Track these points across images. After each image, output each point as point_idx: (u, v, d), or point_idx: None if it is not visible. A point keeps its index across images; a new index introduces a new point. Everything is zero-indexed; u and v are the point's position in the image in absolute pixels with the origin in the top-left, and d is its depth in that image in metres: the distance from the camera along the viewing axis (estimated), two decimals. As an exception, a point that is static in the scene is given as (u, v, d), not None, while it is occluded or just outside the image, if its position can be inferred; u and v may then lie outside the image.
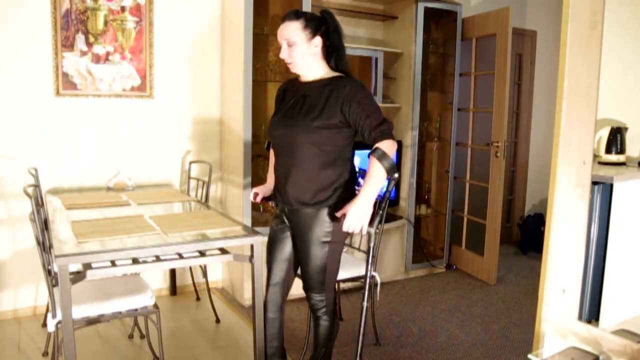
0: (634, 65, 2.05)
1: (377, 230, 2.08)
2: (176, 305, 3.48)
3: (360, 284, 2.86)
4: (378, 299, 2.78)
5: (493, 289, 3.97)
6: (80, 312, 2.15)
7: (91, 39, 3.22)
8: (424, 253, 4.29)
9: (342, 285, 3.47)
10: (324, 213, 2.09)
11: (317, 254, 2.11)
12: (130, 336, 2.95)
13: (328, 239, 2.10)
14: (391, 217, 3.98)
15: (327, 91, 2.05)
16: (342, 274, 2.62)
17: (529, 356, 1.56)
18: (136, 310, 2.31)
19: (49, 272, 2.12)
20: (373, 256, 2.11)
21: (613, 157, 2.18)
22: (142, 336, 2.94)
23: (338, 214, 2.03)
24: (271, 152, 2.38)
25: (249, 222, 3.35)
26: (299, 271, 2.29)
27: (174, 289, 3.63)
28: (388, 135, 2.01)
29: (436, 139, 4.34)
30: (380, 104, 3.82)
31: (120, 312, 2.26)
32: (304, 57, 2.07)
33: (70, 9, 3.13)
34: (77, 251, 1.97)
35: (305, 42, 2.06)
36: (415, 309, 3.51)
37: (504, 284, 4.06)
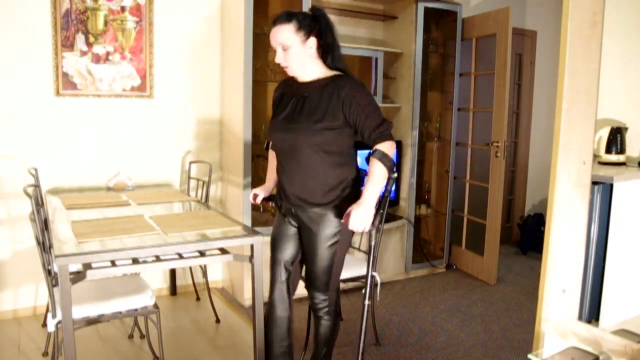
0: (634, 65, 2.05)
1: (379, 227, 2.09)
2: (176, 305, 3.48)
3: (360, 284, 2.87)
4: (378, 299, 2.78)
5: (493, 289, 3.97)
6: (80, 312, 2.15)
7: (91, 39, 3.22)
8: (424, 253, 4.29)
9: (342, 285, 3.47)
10: (332, 213, 2.09)
11: (325, 254, 2.12)
12: (130, 336, 2.95)
13: (336, 239, 2.11)
14: (391, 217, 3.98)
15: (326, 92, 2.04)
16: (342, 274, 2.62)
17: (529, 356, 1.56)
18: (136, 310, 2.31)
19: (49, 272, 2.12)
20: (374, 256, 2.11)
21: (613, 157, 2.18)
22: (142, 336, 2.94)
23: (344, 218, 2.01)
24: (270, 152, 2.37)
25: (249, 222, 3.35)
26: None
27: (174, 289, 3.63)
28: (387, 136, 2.02)
29: (436, 139, 4.34)
30: (380, 104, 3.82)
31: (120, 312, 2.26)
32: (300, 59, 2.05)
33: (70, 9, 3.13)
34: (77, 251, 1.97)
35: (300, 45, 2.03)
36: (415, 309, 3.51)
37: (504, 284, 4.06)
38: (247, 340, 2.96)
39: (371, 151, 2.02)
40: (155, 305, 2.35)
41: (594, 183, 1.59)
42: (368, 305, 2.11)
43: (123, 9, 3.29)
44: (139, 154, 3.45)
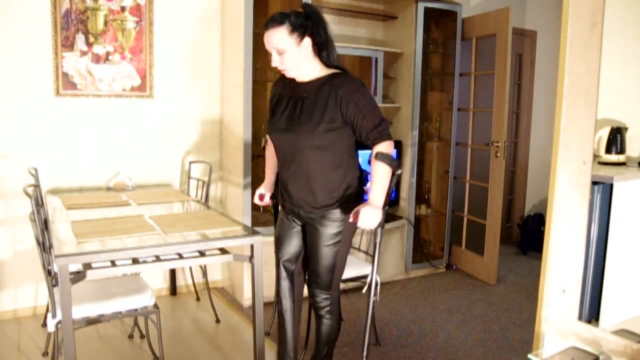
0: (634, 65, 2.05)
1: (384, 224, 2.13)
2: (176, 305, 3.48)
3: (360, 284, 2.89)
4: (378, 299, 2.79)
5: (493, 289, 3.97)
6: (80, 312, 2.15)
7: (91, 39, 3.22)
8: (424, 253, 4.29)
9: (342, 285, 3.47)
10: (334, 213, 2.10)
11: (327, 253, 2.12)
12: (130, 336, 2.95)
13: (338, 238, 2.12)
14: (391, 217, 3.98)
15: (324, 92, 2.02)
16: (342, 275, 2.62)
17: (529, 356, 1.56)
18: (136, 310, 2.31)
19: (49, 272, 2.12)
20: (379, 252, 2.14)
21: (613, 157, 2.18)
22: (142, 336, 2.94)
23: (352, 214, 2.02)
24: (267, 148, 2.35)
25: (249, 222, 3.35)
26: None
27: (174, 289, 3.63)
28: (386, 136, 2.02)
29: (436, 139, 4.34)
30: (380, 104, 3.82)
31: (120, 312, 2.26)
32: (297, 61, 2.03)
33: (70, 9, 3.13)
34: (77, 251, 1.97)
35: (296, 47, 2.00)
36: (415, 309, 3.51)
37: (504, 284, 4.06)
38: (247, 340, 2.96)
39: (371, 153, 2.03)
40: (155, 305, 2.35)
41: (594, 183, 1.59)
42: (374, 301, 2.14)
43: (123, 9, 3.29)
44: (139, 154, 3.45)
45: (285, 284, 2.30)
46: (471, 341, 3.04)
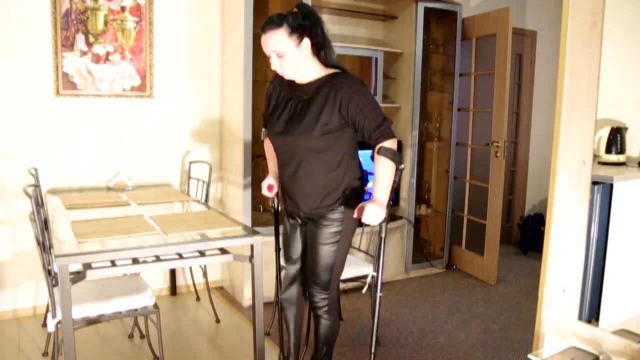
0: (634, 65, 2.05)
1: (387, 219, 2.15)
2: (176, 305, 3.48)
3: (360, 284, 2.89)
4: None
5: (493, 289, 3.97)
6: (80, 312, 2.15)
7: (91, 39, 3.22)
8: (424, 253, 4.29)
9: (342, 285, 3.47)
10: (334, 213, 2.10)
11: (326, 253, 2.13)
12: (130, 336, 2.95)
13: (337, 238, 2.13)
14: (391, 217, 3.98)
15: (323, 93, 2.01)
16: (342, 274, 2.63)
17: (529, 356, 1.56)
18: (136, 310, 2.31)
19: (49, 272, 2.12)
20: (383, 249, 2.18)
21: (613, 157, 2.18)
22: (142, 336, 2.94)
23: (356, 210, 2.02)
24: (266, 141, 2.31)
25: (249, 222, 3.35)
26: None
27: (174, 289, 3.63)
28: (388, 135, 2.02)
29: (436, 139, 4.34)
30: (380, 104, 3.80)
31: (120, 312, 2.26)
32: (296, 64, 2.00)
33: (70, 9, 3.13)
34: (77, 251, 1.97)
35: (295, 48, 1.97)
36: (415, 309, 3.51)
37: (504, 284, 4.06)
38: (247, 340, 2.95)
39: (373, 151, 2.03)
40: (155, 305, 2.35)
41: (594, 183, 1.59)
42: (380, 297, 2.22)
43: (123, 9, 3.29)
44: (139, 154, 3.45)
45: (291, 293, 2.32)
46: (471, 341, 3.04)
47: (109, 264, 2.07)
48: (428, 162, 4.41)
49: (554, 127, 1.53)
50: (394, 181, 2.04)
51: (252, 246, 2.26)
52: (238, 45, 3.30)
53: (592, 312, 1.66)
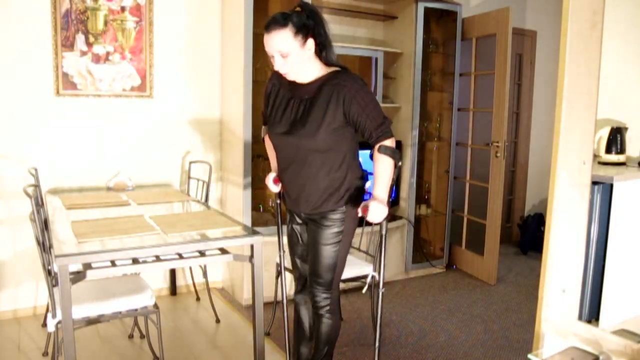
0: (634, 65, 2.05)
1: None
2: (176, 305, 3.48)
3: (360, 284, 2.90)
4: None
5: (493, 289, 3.97)
6: (80, 312, 2.15)
7: (91, 39, 3.22)
8: (424, 253, 4.29)
9: (342, 285, 3.47)
10: (335, 213, 2.11)
11: (328, 253, 2.13)
12: (130, 336, 2.95)
13: (339, 238, 2.13)
14: (391, 217, 3.98)
15: (326, 92, 2.00)
16: (342, 274, 2.63)
17: (529, 356, 1.56)
18: (136, 310, 2.31)
19: (49, 272, 2.12)
20: (385, 245, 2.21)
21: (613, 157, 2.18)
22: (142, 336, 2.94)
23: (360, 208, 2.05)
24: (267, 139, 2.29)
25: (249, 222, 3.35)
26: None
27: (174, 289, 3.63)
28: (388, 134, 2.04)
29: (436, 139, 4.34)
30: (380, 104, 3.80)
31: (120, 312, 2.26)
32: (301, 64, 1.99)
33: (70, 9, 3.13)
34: (77, 251, 1.97)
35: (300, 49, 1.95)
36: (415, 309, 3.51)
37: (504, 284, 4.06)
38: (247, 340, 2.95)
39: (372, 150, 2.05)
40: (155, 305, 2.35)
41: (594, 183, 1.59)
42: (383, 293, 2.23)
43: (123, 9, 3.29)
44: (138, 154, 3.45)
45: (305, 292, 2.34)
46: (471, 341, 3.04)
47: (109, 264, 2.07)
48: (428, 162, 4.41)
49: (554, 127, 1.53)
50: (392, 178, 2.06)
51: (252, 246, 2.26)
52: (238, 45, 3.30)
53: (592, 312, 1.66)
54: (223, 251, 2.30)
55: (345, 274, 2.73)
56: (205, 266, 3.42)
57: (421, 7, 3.85)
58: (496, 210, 4.02)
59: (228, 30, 3.50)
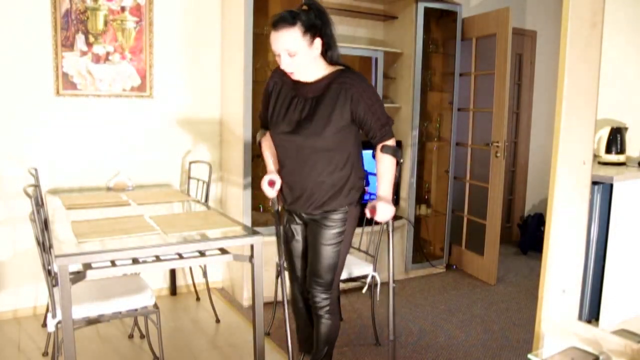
0: (634, 66, 2.05)
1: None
2: (176, 305, 3.48)
3: (360, 284, 2.90)
4: (378, 298, 2.80)
5: (493, 289, 3.97)
6: (80, 312, 2.15)
7: (91, 39, 3.22)
8: (424, 253, 4.29)
9: (342, 285, 3.47)
10: (337, 213, 2.11)
11: (329, 253, 2.13)
12: (130, 336, 2.95)
13: (341, 238, 2.14)
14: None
15: (332, 91, 2.00)
16: (342, 274, 2.63)
17: (529, 356, 1.56)
18: (136, 310, 2.31)
19: (49, 272, 2.12)
20: (392, 242, 2.26)
21: (613, 157, 2.18)
22: (142, 336, 2.94)
23: (367, 209, 2.08)
24: (263, 141, 2.28)
25: (249, 222, 3.35)
26: None
27: (174, 289, 3.63)
28: (390, 134, 2.07)
29: (436, 139, 4.34)
30: (380, 104, 3.81)
31: (120, 312, 2.26)
32: (308, 63, 1.98)
33: (70, 9, 3.13)
34: (77, 251, 1.97)
35: (308, 48, 1.94)
36: (415, 309, 3.51)
37: (504, 284, 4.06)
38: (247, 340, 2.95)
39: (375, 150, 2.08)
40: (155, 305, 2.35)
41: (594, 183, 1.59)
42: (394, 287, 2.29)
43: (123, 9, 3.29)
44: (139, 154, 3.45)
45: (297, 283, 2.33)
46: (471, 341, 3.04)
47: (109, 264, 2.06)
48: (428, 162, 4.41)
49: (554, 127, 1.53)
50: (395, 176, 2.10)
51: (252, 246, 2.26)
52: (238, 45, 3.30)
53: (592, 312, 1.66)
54: (223, 251, 2.30)
55: (346, 274, 2.73)
56: (205, 266, 3.42)
57: (421, 7, 3.85)
58: (496, 210, 4.02)
59: (228, 30, 3.50)
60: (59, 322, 2.09)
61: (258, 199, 3.60)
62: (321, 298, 2.21)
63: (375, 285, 2.77)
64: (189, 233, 2.27)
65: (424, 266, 4.22)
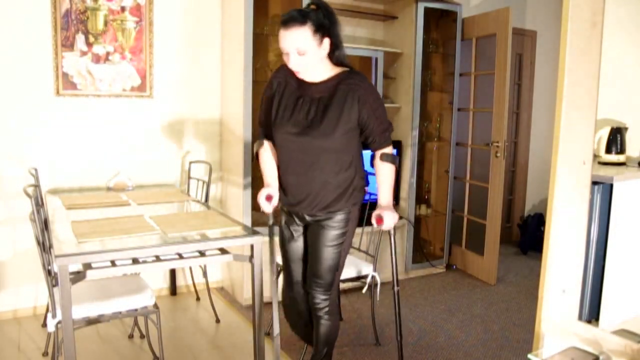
0: (634, 65, 2.05)
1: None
2: (176, 305, 3.48)
3: (360, 284, 2.90)
4: (378, 299, 2.81)
5: (493, 289, 3.97)
6: (80, 312, 2.15)
7: (91, 39, 3.22)
8: (424, 253, 4.29)
9: (342, 285, 3.47)
10: (339, 214, 2.11)
11: (330, 254, 2.13)
12: (130, 336, 2.95)
13: (342, 240, 2.14)
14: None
15: (340, 92, 1.99)
16: (342, 274, 2.63)
17: (529, 356, 1.56)
18: (136, 310, 2.31)
19: (49, 272, 2.12)
20: (394, 243, 2.34)
21: (613, 157, 2.18)
22: (142, 336, 2.94)
23: (373, 219, 2.11)
24: (264, 150, 2.23)
25: (249, 222, 3.35)
26: None
27: (174, 289, 3.63)
28: (389, 141, 2.10)
29: (436, 139, 4.34)
30: (380, 104, 3.81)
31: (120, 312, 2.26)
32: (315, 63, 1.97)
33: (70, 9, 3.13)
34: (77, 251, 1.97)
35: (317, 48, 1.93)
36: (415, 309, 3.51)
37: (504, 284, 4.06)
38: (247, 340, 2.95)
39: (373, 155, 2.11)
40: (155, 305, 2.35)
41: (594, 183, 1.59)
42: (397, 290, 2.36)
43: (123, 9, 3.29)
44: (139, 154, 3.45)
45: (297, 287, 2.32)
46: (471, 341, 3.04)
47: (109, 264, 2.06)
48: (428, 162, 4.41)
49: (554, 127, 1.53)
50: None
51: (252, 246, 2.26)
52: (238, 45, 3.30)
53: (592, 312, 1.66)
54: (223, 251, 2.30)
55: (346, 274, 2.73)
56: (205, 266, 3.42)
57: (421, 7, 3.85)
58: (496, 210, 4.02)
59: (228, 30, 3.50)
60: (59, 322, 2.09)
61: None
62: (321, 299, 2.20)
63: (375, 285, 2.77)
64: (189, 233, 2.27)
65: (424, 266, 4.22)
